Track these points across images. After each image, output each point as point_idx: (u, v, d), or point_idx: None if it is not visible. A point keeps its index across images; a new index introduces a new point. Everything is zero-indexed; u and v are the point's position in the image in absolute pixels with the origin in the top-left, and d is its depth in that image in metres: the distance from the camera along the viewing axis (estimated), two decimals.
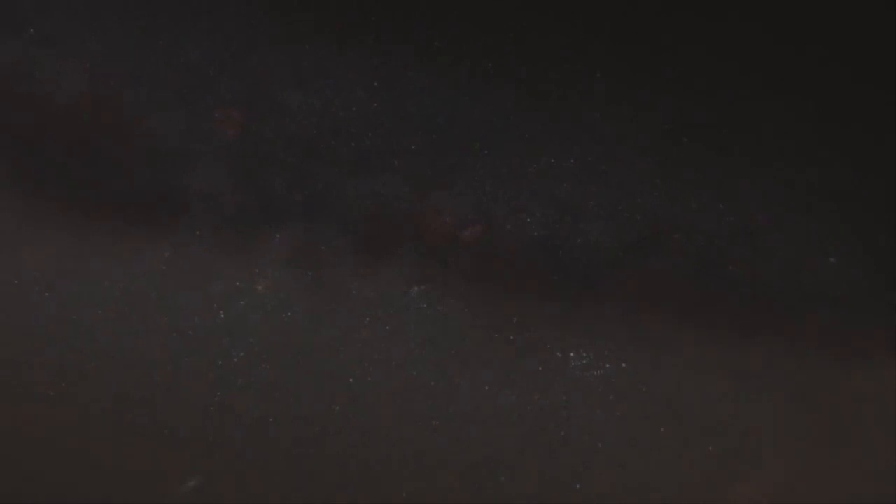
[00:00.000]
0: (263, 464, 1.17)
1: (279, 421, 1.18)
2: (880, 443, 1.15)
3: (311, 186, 1.20)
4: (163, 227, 1.19)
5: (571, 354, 1.18)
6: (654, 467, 1.16)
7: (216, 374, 1.18)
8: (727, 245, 1.19)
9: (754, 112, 1.19)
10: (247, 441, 1.18)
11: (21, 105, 1.22)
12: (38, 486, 1.15)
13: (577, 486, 1.15)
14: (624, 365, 1.18)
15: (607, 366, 1.18)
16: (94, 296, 1.17)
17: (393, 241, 1.20)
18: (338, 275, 1.19)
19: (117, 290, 1.18)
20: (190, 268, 1.19)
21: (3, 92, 1.22)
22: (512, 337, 1.19)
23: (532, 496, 1.15)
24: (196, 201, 1.20)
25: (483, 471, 1.15)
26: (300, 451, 1.17)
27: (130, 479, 1.17)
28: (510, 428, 1.17)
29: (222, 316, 1.18)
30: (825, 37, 1.20)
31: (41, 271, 1.17)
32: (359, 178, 1.20)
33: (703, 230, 1.19)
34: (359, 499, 1.15)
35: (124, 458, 1.17)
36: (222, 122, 1.20)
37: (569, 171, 1.19)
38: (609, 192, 1.20)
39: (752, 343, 1.19)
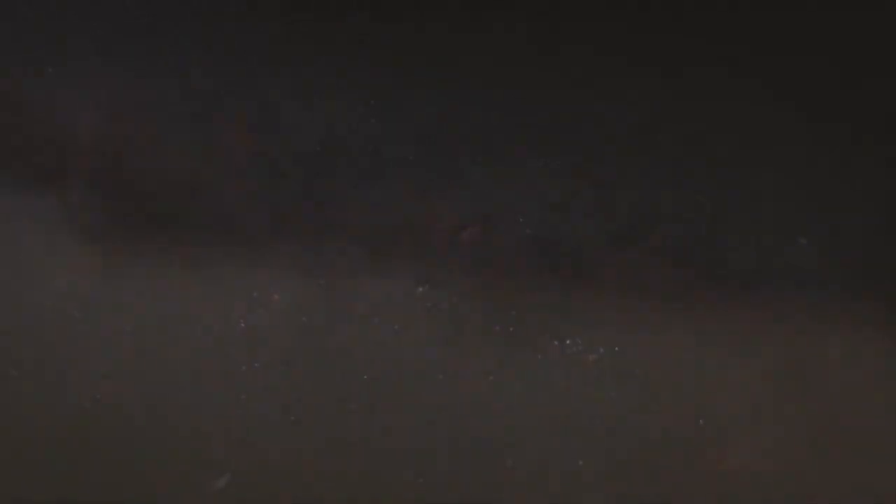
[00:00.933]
0: (287, 460, 1.26)
1: (300, 419, 1.27)
2: (855, 407, 1.26)
3: (318, 199, 1.29)
4: (182, 248, 1.27)
5: (567, 342, 1.28)
6: (650, 440, 1.25)
7: (240, 379, 1.26)
8: (705, 233, 1.28)
9: (726, 108, 1.29)
10: (270, 439, 1.26)
11: (43, 139, 1.30)
12: (79, 486, 1.24)
13: (580, 463, 1.24)
14: (616, 348, 1.27)
15: (601, 350, 1.27)
16: (123, 312, 1.26)
17: (397, 246, 1.29)
18: (348, 280, 1.28)
19: (144, 307, 1.26)
20: (210, 283, 1.28)
21: (25, 127, 1.30)
22: (511, 329, 1.28)
23: (539, 474, 1.24)
24: (212, 220, 1.28)
25: (493, 452, 1.25)
26: (321, 446, 1.26)
27: (166, 478, 1.25)
28: (515, 411, 1.26)
29: (242, 325, 1.27)
30: (791, 27, 1.29)
31: (73, 292, 1.26)
32: (362, 189, 1.28)
33: (683, 220, 1.28)
34: (379, 488, 1.24)
35: (160, 460, 1.25)
36: (233, 144, 1.29)
37: (557, 171, 1.28)
38: (594, 190, 1.29)
39: (732, 320, 1.28)
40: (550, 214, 1.28)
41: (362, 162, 1.28)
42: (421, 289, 1.28)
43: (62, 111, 1.28)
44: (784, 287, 1.28)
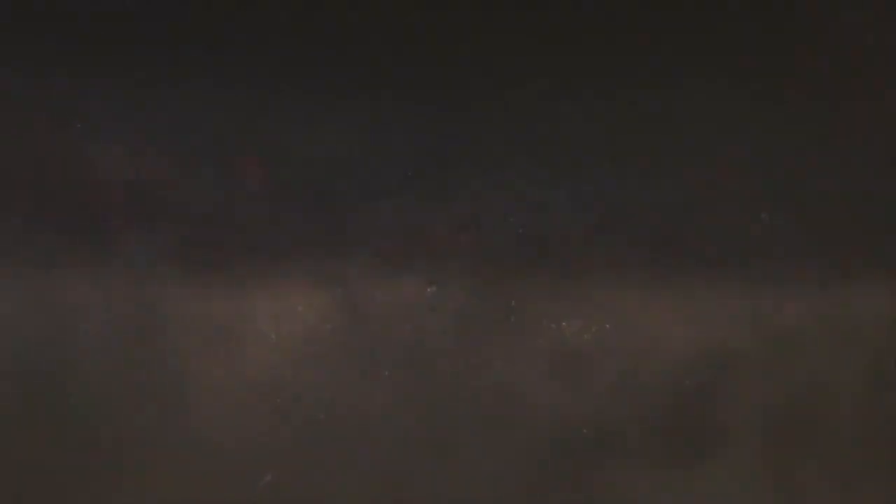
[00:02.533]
0: (321, 454, 1.41)
1: (330, 416, 1.41)
2: (818, 364, 1.42)
3: (329, 218, 1.44)
4: (212, 272, 1.42)
5: (564, 324, 1.43)
6: (648, 398, 1.41)
7: (273, 383, 1.41)
8: (677, 218, 1.44)
9: (691, 99, 1.45)
10: (304, 438, 1.41)
11: (72, 188, 1.44)
12: (129, 486, 1.38)
13: (584, 431, 1.40)
14: (608, 326, 1.43)
15: (594, 328, 1.43)
16: (168, 333, 1.40)
17: (403, 254, 1.44)
18: (363, 288, 1.43)
19: (185, 328, 1.41)
20: (238, 302, 1.42)
21: (55, 177, 1.44)
22: (512, 318, 1.43)
23: (550, 440, 1.40)
24: (236, 247, 1.42)
25: (507, 425, 1.40)
26: (349, 441, 1.41)
27: (214, 478, 1.40)
28: (524, 389, 1.42)
29: (273, 337, 1.42)
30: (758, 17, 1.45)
31: (120, 321, 1.40)
32: (367, 205, 1.43)
33: (657, 208, 1.44)
34: (404, 476, 1.39)
35: (208, 461, 1.40)
36: (247, 175, 1.43)
37: (540, 175, 1.44)
38: (575, 189, 1.44)
39: (706, 290, 1.44)
40: (536, 214, 1.44)
41: (366, 180, 1.43)
42: (430, 289, 1.43)
43: (93, 157, 1.42)
44: (748, 260, 1.44)
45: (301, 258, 1.42)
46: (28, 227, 1.41)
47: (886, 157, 1.45)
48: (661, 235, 1.44)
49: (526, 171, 1.43)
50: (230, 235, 1.41)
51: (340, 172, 1.43)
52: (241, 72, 1.43)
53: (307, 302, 1.42)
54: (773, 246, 1.43)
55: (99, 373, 1.39)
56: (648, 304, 1.43)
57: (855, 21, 1.44)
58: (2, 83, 1.41)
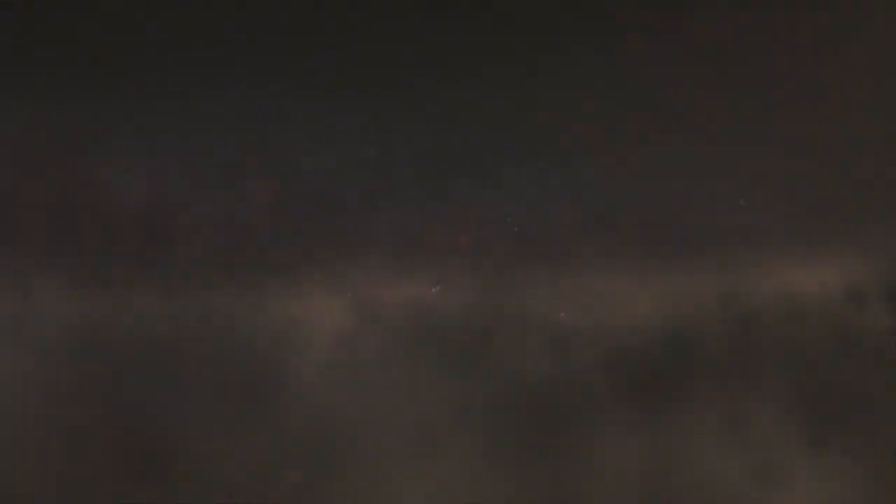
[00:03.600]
0: (337, 448, 1.48)
1: (346, 413, 1.49)
2: (792, 334, 1.52)
3: (336, 227, 1.53)
4: (231, 281, 1.50)
5: (562, 315, 1.52)
6: (628, 367, 1.50)
7: (294, 385, 1.49)
8: (662, 210, 1.54)
9: (673, 102, 1.55)
10: (325, 432, 1.49)
11: (88, 212, 1.52)
12: (166, 482, 1.45)
13: (573, 398, 1.48)
14: (603, 313, 1.52)
15: (590, 314, 1.52)
16: (198, 342, 1.48)
17: (408, 257, 1.53)
18: (371, 291, 1.52)
19: (208, 339, 1.49)
20: (253, 310, 1.51)
21: (73, 202, 1.52)
22: (513, 311, 1.52)
23: (544, 406, 1.48)
24: (250, 259, 1.51)
25: (516, 400, 1.48)
26: (368, 440, 1.48)
27: (246, 476, 1.47)
28: (523, 367, 1.50)
29: (290, 341, 1.50)
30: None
31: (147, 332, 1.48)
32: (372, 214, 1.52)
33: (644, 202, 1.54)
34: (425, 466, 1.47)
35: (240, 458, 1.47)
36: (257, 191, 1.52)
37: (533, 176, 1.54)
38: (567, 189, 1.54)
39: (687, 271, 1.54)
40: (531, 212, 1.53)
41: (370, 189, 1.52)
42: (434, 289, 1.51)
43: (112, 179, 1.51)
44: (727, 244, 1.54)
45: (310, 267, 1.51)
46: (51, 250, 1.49)
47: (861, 144, 1.56)
48: (649, 228, 1.53)
49: (520, 173, 1.53)
50: (246, 246, 1.50)
51: (345, 183, 1.52)
52: (251, 95, 1.53)
53: (318, 309, 1.50)
54: (750, 232, 1.53)
55: (132, 382, 1.46)
56: (636, 294, 1.52)
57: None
58: (26, 114, 1.50)
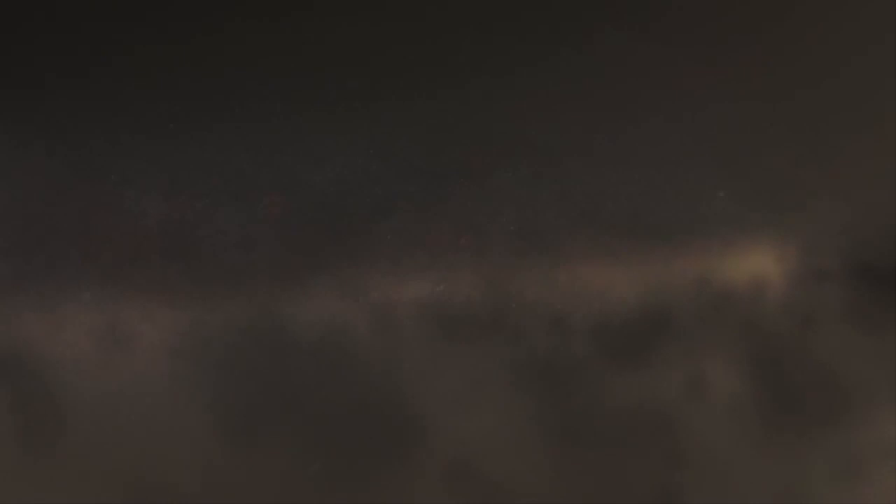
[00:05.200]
0: (359, 436, 1.59)
1: (363, 406, 1.60)
2: (768, 319, 1.64)
3: (343, 235, 1.63)
4: (246, 290, 1.60)
5: (558, 307, 1.64)
6: (612, 338, 1.61)
7: (317, 385, 1.59)
8: (645, 200, 1.66)
9: (656, 99, 1.68)
10: (345, 423, 1.59)
11: (108, 233, 1.62)
12: (211, 478, 1.54)
13: (563, 361, 1.60)
14: (597, 304, 1.64)
15: (582, 305, 1.64)
16: (220, 351, 1.59)
17: (413, 260, 1.64)
18: (380, 292, 1.63)
19: (226, 346, 1.59)
20: (268, 317, 1.61)
21: (94, 224, 1.62)
22: (514, 305, 1.63)
23: (543, 369, 1.59)
24: (264, 270, 1.61)
25: (527, 370, 1.59)
26: (386, 432, 1.59)
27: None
28: (525, 344, 1.62)
29: (305, 346, 1.60)
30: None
31: (168, 343, 1.58)
32: (377, 221, 1.63)
33: (629, 196, 1.66)
34: (436, 448, 1.57)
35: (275, 451, 1.57)
36: (268, 206, 1.63)
37: (525, 179, 1.66)
38: (556, 189, 1.66)
39: (665, 258, 1.66)
40: (525, 212, 1.65)
41: (374, 198, 1.63)
42: (438, 289, 1.63)
43: (130, 203, 1.61)
44: (704, 233, 1.66)
45: (319, 275, 1.61)
46: (77, 270, 1.59)
47: (820, 127, 1.69)
48: (634, 218, 1.65)
49: (513, 175, 1.65)
50: (259, 259, 1.60)
51: (349, 195, 1.63)
52: (260, 117, 1.63)
53: (329, 314, 1.61)
54: (727, 220, 1.66)
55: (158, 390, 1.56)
56: (622, 284, 1.64)
57: None
58: (49, 144, 1.60)
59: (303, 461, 1.55)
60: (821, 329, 1.63)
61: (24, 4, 1.60)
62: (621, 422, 1.58)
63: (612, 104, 1.68)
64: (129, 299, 1.59)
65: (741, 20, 1.71)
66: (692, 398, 1.60)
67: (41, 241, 1.56)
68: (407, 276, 1.62)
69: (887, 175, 1.67)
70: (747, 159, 1.68)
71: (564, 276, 1.64)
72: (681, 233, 1.66)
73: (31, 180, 1.59)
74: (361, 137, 1.64)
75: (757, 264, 1.65)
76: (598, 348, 1.60)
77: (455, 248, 1.64)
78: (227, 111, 1.63)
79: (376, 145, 1.64)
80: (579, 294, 1.63)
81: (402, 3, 1.66)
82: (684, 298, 1.63)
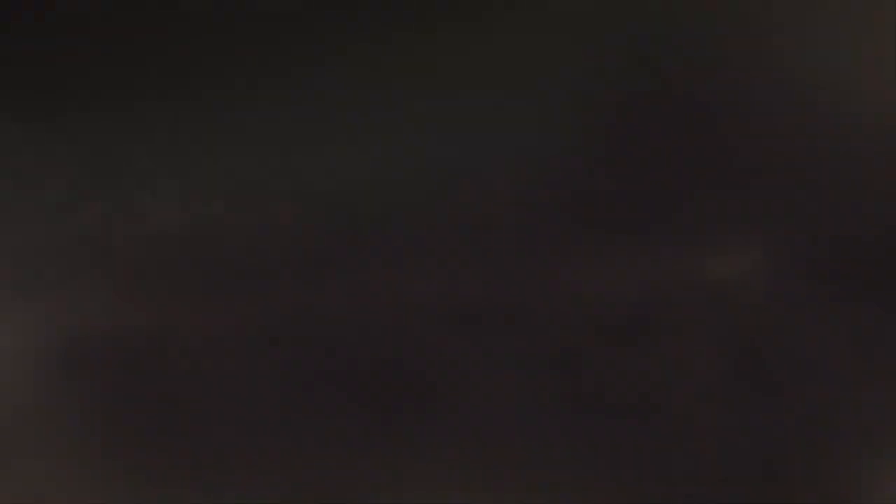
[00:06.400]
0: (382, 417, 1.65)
1: (380, 398, 1.67)
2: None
3: (352, 240, 1.70)
4: (257, 294, 1.67)
5: (558, 303, 1.72)
6: (603, 321, 1.69)
7: (335, 382, 1.66)
8: (635, 200, 1.75)
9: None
10: (362, 412, 1.66)
11: (126, 243, 1.68)
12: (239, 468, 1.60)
13: (557, 342, 1.68)
14: (583, 286, 1.72)
15: (573, 290, 1.72)
16: (238, 349, 1.65)
17: (421, 261, 1.71)
18: (392, 295, 1.70)
19: (242, 350, 1.66)
20: (277, 323, 1.68)
21: (119, 228, 1.68)
22: (515, 302, 1.72)
23: (559, 343, 1.67)
24: (275, 276, 1.68)
25: (536, 348, 1.67)
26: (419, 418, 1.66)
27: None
28: (525, 322, 1.69)
29: (322, 346, 1.67)
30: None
31: (167, 337, 1.64)
32: (380, 224, 1.71)
33: (614, 195, 1.75)
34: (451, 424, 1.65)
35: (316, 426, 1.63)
36: (280, 215, 1.70)
37: (520, 181, 1.74)
38: (547, 189, 1.75)
39: (650, 254, 1.75)
40: (521, 212, 1.73)
41: (377, 206, 1.71)
42: (444, 288, 1.70)
43: (147, 206, 1.68)
44: (693, 229, 1.75)
45: (329, 278, 1.69)
46: (95, 272, 1.65)
47: (819, 128, 1.78)
48: (617, 217, 1.74)
49: (505, 174, 1.74)
50: (277, 257, 1.67)
51: (353, 202, 1.71)
52: (271, 125, 1.71)
53: (344, 315, 1.68)
54: (706, 212, 1.75)
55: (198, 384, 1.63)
56: (605, 270, 1.73)
57: None
58: (67, 154, 1.66)
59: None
60: (808, 325, 1.69)
61: (42, 11, 1.65)
62: (612, 383, 1.64)
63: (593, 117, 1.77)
64: (145, 298, 1.65)
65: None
66: (681, 387, 1.67)
67: (59, 246, 1.62)
68: (414, 276, 1.70)
69: (876, 171, 1.75)
70: (730, 155, 1.77)
71: (563, 274, 1.72)
72: (671, 231, 1.74)
73: (46, 190, 1.64)
74: (366, 145, 1.72)
75: (747, 261, 1.73)
76: (591, 330, 1.67)
77: (455, 249, 1.71)
78: (242, 118, 1.70)
79: (379, 154, 1.72)
80: (570, 285, 1.71)
81: (412, 3, 1.73)
82: (674, 294, 1.71)
